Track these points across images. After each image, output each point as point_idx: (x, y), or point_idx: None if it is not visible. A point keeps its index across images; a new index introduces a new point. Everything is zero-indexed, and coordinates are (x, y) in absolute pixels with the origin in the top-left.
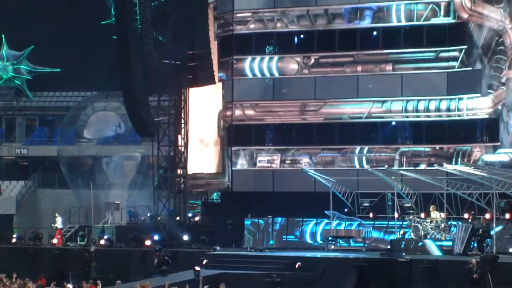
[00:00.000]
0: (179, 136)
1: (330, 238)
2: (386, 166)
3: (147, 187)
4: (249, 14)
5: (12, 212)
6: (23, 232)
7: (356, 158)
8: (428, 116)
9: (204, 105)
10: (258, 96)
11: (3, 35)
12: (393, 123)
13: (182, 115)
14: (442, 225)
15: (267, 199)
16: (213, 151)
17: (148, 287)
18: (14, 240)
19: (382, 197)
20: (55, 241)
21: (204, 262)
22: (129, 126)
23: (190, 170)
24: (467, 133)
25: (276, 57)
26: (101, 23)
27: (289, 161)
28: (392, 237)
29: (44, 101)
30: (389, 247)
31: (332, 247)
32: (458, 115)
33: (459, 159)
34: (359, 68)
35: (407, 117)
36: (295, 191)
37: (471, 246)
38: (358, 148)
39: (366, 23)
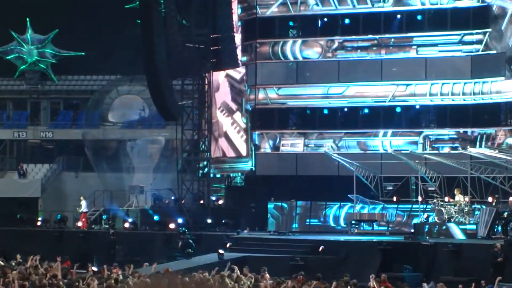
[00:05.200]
0: (203, 120)
1: (353, 222)
2: (409, 149)
3: (171, 170)
4: None
5: (37, 195)
6: (48, 215)
7: (380, 142)
8: (452, 100)
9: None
10: (282, 79)
11: (27, 19)
12: (417, 106)
13: (206, 99)
14: (466, 209)
15: (290, 182)
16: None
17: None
18: (39, 223)
19: (405, 180)
20: (80, 224)
21: (228, 245)
22: (153, 110)
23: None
24: (491, 117)
25: (299, 41)
26: (125, 6)
27: (312, 145)
28: (415, 220)
29: (68, 84)
30: (412, 230)
31: (356, 230)
32: (482, 99)
33: (483, 143)
34: (383, 52)
35: (431, 100)
36: (319, 174)
37: (495, 229)
38: (381, 132)
39: (389, 6)
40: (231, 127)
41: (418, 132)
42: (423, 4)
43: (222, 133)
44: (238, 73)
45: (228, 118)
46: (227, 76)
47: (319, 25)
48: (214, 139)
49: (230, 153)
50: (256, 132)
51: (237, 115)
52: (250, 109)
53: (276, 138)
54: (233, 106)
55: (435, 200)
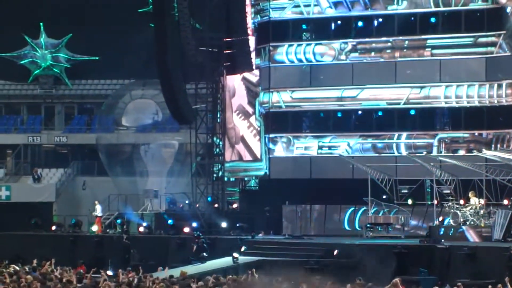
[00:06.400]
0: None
1: (368, 225)
2: (424, 152)
3: (185, 174)
4: (285, 0)
5: (52, 199)
6: (63, 220)
7: (394, 145)
8: (467, 102)
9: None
10: (295, 83)
11: (41, 24)
12: (432, 109)
13: (219, 102)
14: (481, 212)
15: (304, 186)
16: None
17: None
18: (54, 228)
19: (420, 183)
20: (95, 228)
21: (243, 249)
22: (166, 113)
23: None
24: (506, 119)
25: (313, 44)
26: (139, 10)
27: (326, 148)
28: (431, 224)
29: (82, 89)
30: (428, 233)
31: (371, 234)
32: (497, 101)
33: (498, 145)
34: (396, 54)
35: (445, 103)
36: (333, 178)
37: (511, 232)
38: (396, 135)
39: (403, 8)
40: (247, 130)
41: (433, 134)
42: (437, 6)
43: (238, 139)
44: (254, 76)
45: (244, 121)
46: (244, 79)
47: (333, 27)
48: (231, 145)
49: (247, 157)
50: (270, 135)
51: (253, 119)
52: (263, 112)
53: (290, 141)
54: (249, 110)
55: (450, 203)
